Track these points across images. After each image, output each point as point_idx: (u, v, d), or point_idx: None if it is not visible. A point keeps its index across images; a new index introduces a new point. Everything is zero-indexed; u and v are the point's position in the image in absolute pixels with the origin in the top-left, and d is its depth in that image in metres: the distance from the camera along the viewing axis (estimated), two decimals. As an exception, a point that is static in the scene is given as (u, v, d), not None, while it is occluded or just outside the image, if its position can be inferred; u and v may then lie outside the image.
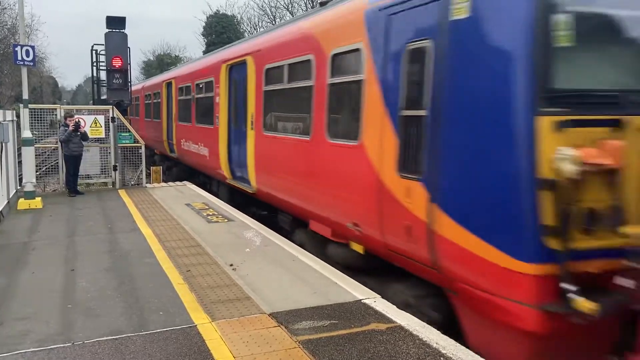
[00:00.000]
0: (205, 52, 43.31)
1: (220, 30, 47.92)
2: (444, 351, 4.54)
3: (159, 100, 20.43)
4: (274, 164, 9.56)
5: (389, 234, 6.09)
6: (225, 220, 10.02)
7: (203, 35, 50.47)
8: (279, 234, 9.09)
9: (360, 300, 5.78)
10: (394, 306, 5.63)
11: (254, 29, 47.45)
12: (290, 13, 42.92)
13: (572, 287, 4.21)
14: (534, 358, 4.68)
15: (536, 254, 4.38)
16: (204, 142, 14.21)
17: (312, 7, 38.69)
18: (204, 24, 50.34)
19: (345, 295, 5.94)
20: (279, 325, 5.11)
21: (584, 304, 4.12)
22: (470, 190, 4.93)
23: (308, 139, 8.11)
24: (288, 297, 5.89)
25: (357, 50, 6.78)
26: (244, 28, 49.37)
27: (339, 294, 5.96)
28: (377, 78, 6.31)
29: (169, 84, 19.10)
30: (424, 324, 5.18)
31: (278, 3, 45.05)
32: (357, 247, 7.09)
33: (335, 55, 7.41)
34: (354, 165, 6.77)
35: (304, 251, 7.86)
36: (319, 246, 8.16)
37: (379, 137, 6.25)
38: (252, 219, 10.19)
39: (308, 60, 8.12)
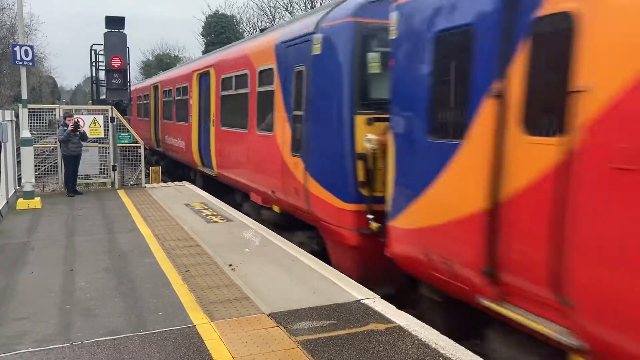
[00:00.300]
0: (204, 52, 43.32)
1: (219, 30, 47.91)
2: (442, 351, 4.53)
3: (148, 101, 23.12)
4: (226, 152, 12.46)
5: (289, 195, 8.90)
6: (225, 220, 10.02)
7: (202, 35, 50.45)
8: (235, 208, 11.61)
9: (360, 300, 5.78)
10: (393, 307, 5.63)
11: (253, 28, 47.47)
12: (289, 13, 42.93)
13: (371, 217, 6.88)
14: (357, 263, 7.38)
15: (355, 199, 7.16)
16: (181, 136, 16.74)
17: (312, 7, 38.72)
18: (203, 24, 50.35)
19: (344, 295, 5.94)
20: (278, 326, 5.11)
21: (374, 226, 6.80)
22: (323, 162, 7.81)
23: (246, 131, 10.94)
24: (287, 297, 5.88)
25: (271, 69, 9.67)
26: (243, 28, 49.41)
27: (338, 294, 5.96)
28: (281, 89, 9.16)
29: (155, 87, 21.68)
30: (423, 324, 5.18)
31: (277, 3, 45.08)
32: (276, 208, 9.84)
33: (260, 71, 10.28)
34: (270, 149, 9.60)
35: (303, 251, 7.86)
36: (257, 212, 10.82)
37: (282, 129, 9.13)
38: (252, 220, 10.19)
39: (246, 74, 11.01)
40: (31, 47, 11.77)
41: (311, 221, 8.44)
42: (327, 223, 7.77)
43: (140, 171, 15.24)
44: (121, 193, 13.45)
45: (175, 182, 16.10)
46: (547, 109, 4.26)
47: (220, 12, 50.00)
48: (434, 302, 5.86)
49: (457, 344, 4.71)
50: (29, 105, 12.71)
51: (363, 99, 7.23)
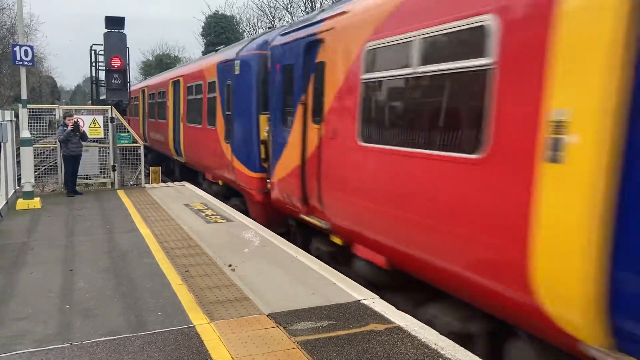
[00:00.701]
0: (204, 53, 43.32)
1: (219, 30, 47.95)
2: (442, 352, 4.53)
3: (137, 102, 26.48)
4: (190, 143, 16.15)
5: (225, 171, 12.65)
6: (224, 220, 10.02)
7: (202, 35, 50.50)
8: (197, 186, 14.89)
9: (359, 300, 5.78)
10: (393, 307, 5.63)
11: (253, 29, 47.51)
12: (289, 13, 42.95)
13: (268, 180, 9.95)
14: (263, 213, 10.86)
15: (259, 169, 10.78)
16: (161, 132, 20.08)
17: (312, 8, 38.70)
18: (203, 24, 50.38)
19: (344, 295, 5.94)
20: (277, 326, 5.11)
21: (269, 186, 9.89)
22: (241, 145, 11.44)
23: (201, 127, 14.62)
24: (287, 297, 5.88)
25: (214, 81, 13.50)
26: (243, 28, 49.43)
27: (338, 295, 5.96)
28: (219, 96, 13.00)
29: (143, 91, 25.18)
30: (423, 324, 5.18)
31: (277, 3, 45.10)
32: (220, 182, 13.60)
33: (209, 82, 14.02)
34: (214, 139, 13.24)
35: (303, 252, 7.86)
36: (210, 187, 14.59)
37: (220, 124, 12.87)
38: (251, 220, 10.19)
39: (200, 84, 14.83)
40: (31, 47, 11.77)
41: (237, 188, 12.16)
42: (244, 187, 11.54)
43: (140, 171, 15.24)
44: (121, 193, 13.45)
45: (175, 183, 16.11)
46: (318, 110, 7.83)
47: (220, 13, 50.08)
48: (293, 226, 9.65)
49: (456, 345, 4.71)
50: (29, 106, 12.71)
51: (264, 104, 10.75)
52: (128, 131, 14.80)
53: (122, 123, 14.69)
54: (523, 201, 4.21)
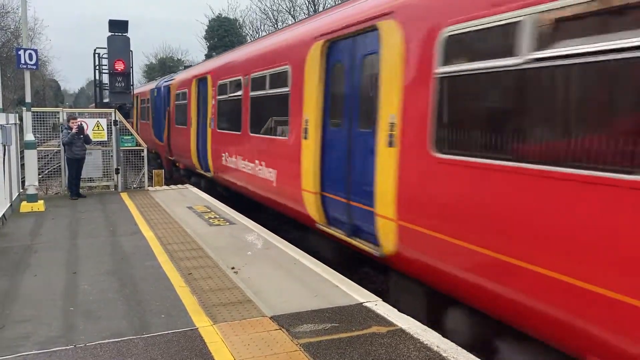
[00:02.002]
0: (207, 56, 43.41)
1: (222, 33, 48.07)
2: (444, 354, 4.54)
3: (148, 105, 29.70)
4: (174, 138, 19.35)
5: (195, 161, 15.82)
6: (227, 223, 10.04)
7: (205, 38, 50.61)
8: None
9: (362, 303, 5.78)
10: (395, 309, 5.64)
11: (256, 32, 47.59)
12: (292, 17, 43.02)
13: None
14: (207, 185, 15.48)
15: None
16: (145, 131, 24.70)
17: (315, 11, 38.77)
18: (206, 27, 50.51)
19: (346, 298, 5.95)
20: (280, 328, 5.12)
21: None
22: (198, 143, 15.85)
23: (185, 127, 17.09)
24: (289, 300, 5.90)
25: (186, 91, 17.13)
26: (246, 32, 49.51)
27: (340, 297, 5.97)
28: (174, 107, 19.05)
29: (136, 97, 27.92)
30: (425, 327, 5.18)
31: (280, 7, 45.19)
32: (185, 167, 18.26)
33: (177, 94, 18.67)
34: (187, 136, 16.77)
35: (305, 254, 7.87)
36: (184, 175, 18.77)
37: (194, 127, 16.26)
38: (254, 222, 10.20)
39: (185, 93, 17.55)
40: (35, 51, 11.82)
41: (198, 169, 16.13)
42: (198, 170, 15.89)
43: (143, 174, 15.28)
44: (124, 196, 13.48)
45: (178, 185, 16.14)
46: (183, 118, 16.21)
47: (223, 16, 50.19)
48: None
49: (458, 347, 4.71)
50: (33, 109, 12.77)
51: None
52: (131, 134, 14.85)
53: (125, 126, 14.73)
54: (297, 155, 8.51)
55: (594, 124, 3.89)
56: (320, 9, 38.90)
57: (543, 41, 4.19)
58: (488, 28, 4.72)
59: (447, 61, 5.24)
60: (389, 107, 6.12)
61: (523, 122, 4.47)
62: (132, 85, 15.98)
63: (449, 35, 5.20)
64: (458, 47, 5.15)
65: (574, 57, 3.92)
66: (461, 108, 5.26)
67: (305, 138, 8.35)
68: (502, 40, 4.60)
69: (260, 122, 10.73)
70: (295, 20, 41.43)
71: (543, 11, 4.20)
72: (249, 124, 11.21)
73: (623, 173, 3.54)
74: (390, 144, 6.09)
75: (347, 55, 7.42)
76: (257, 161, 10.68)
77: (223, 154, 13.07)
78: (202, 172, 15.51)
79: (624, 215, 3.52)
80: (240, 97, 11.68)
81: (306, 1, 42.34)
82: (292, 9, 43.67)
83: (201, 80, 15.42)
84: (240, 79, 11.80)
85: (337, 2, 33.76)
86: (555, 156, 4.06)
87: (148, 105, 25.82)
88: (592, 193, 3.73)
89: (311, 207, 8.22)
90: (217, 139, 13.73)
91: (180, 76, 19.29)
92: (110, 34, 15.05)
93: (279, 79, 9.67)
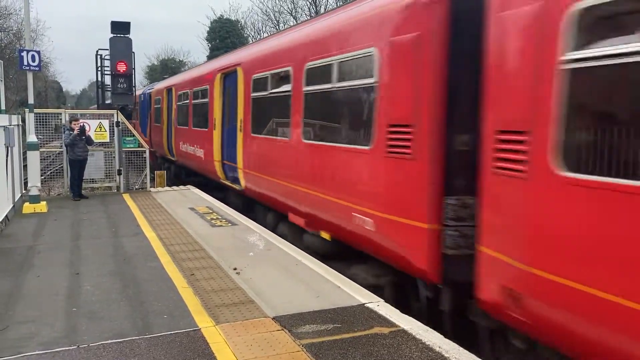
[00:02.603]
0: (209, 57, 43.46)
1: (224, 35, 48.09)
2: (446, 355, 4.55)
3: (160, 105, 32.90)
4: (154, 133, 23.42)
5: (166, 150, 20.75)
6: (229, 224, 10.05)
7: (207, 40, 50.65)
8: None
9: (364, 304, 5.79)
10: (397, 310, 5.64)
11: (258, 34, 47.66)
12: (294, 18, 43.08)
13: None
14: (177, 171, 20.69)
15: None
16: (135, 129, 28.12)
17: (316, 12, 38.79)
18: (207, 29, 50.54)
19: (348, 299, 5.96)
20: (282, 329, 5.13)
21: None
22: (169, 140, 20.54)
23: (159, 125, 21.71)
24: (291, 300, 5.91)
25: (159, 98, 22.38)
26: (248, 33, 49.57)
27: (343, 298, 5.98)
28: (154, 111, 24.20)
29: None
30: (427, 327, 5.19)
31: (282, 8, 45.27)
32: (161, 156, 22.40)
33: (155, 99, 23.22)
34: (162, 132, 21.55)
35: (307, 255, 7.88)
36: (160, 163, 22.37)
37: (165, 125, 21.27)
38: (256, 223, 10.22)
39: (159, 99, 22.06)
40: (38, 52, 11.86)
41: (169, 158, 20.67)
42: (168, 157, 20.28)
43: (146, 175, 15.31)
44: (126, 197, 13.51)
45: (180, 187, 16.16)
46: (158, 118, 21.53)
47: (224, 17, 50.20)
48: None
49: (460, 348, 4.72)
50: (35, 110, 12.80)
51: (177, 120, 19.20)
52: (134, 135, 14.89)
53: (127, 127, 14.77)
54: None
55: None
56: (322, 10, 38.95)
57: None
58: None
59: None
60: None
61: None
62: (134, 86, 16.02)
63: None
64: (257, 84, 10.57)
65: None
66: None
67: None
68: None
69: (185, 119, 17.54)
70: (296, 21, 41.49)
71: None
72: (177, 120, 18.84)
73: None
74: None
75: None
76: (196, 145, 15.94)
77: (180, 143, 18.30)
78: (170, 157, 20.67)
79: None
80: (187, 103, 17.30)
81: (307, 2, 42.42)
82: (293, 10, 43.76)
83: (168, 90, 20.80)
84: (188, 91, 17.31)
85: (338, 4, 33.82)
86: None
87: (137, 107, 28.75)
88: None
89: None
90: (176, 133, 19.02)
91: (156, 86, 25.31)
92: (112, 35, 15.10)
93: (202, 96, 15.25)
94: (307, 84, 8.34)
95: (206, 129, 14.27)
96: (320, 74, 7.95)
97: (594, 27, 3.78)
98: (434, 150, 5.51)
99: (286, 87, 9.15)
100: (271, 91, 9.94)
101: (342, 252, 7.66)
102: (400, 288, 6.60)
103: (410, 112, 5.81)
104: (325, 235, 7.96)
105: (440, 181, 5.50)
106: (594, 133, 3.82)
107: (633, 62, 3.46)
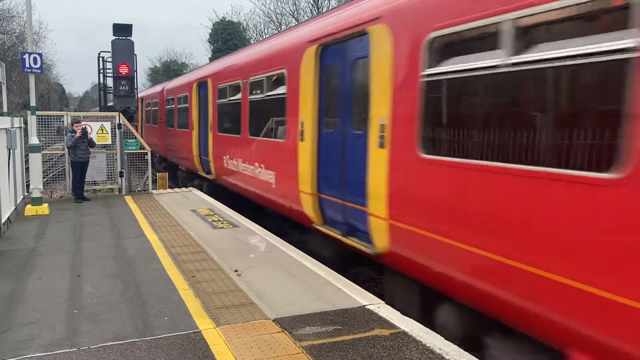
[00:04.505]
0: (211, 59, 43.53)
1: (226, 37, 48.17)
2: (447, 357, 4.54)
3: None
4: (149, 134, 26.07)
5: (164, 150, 22.45)
6: (231, 226, 10.06)
7: (209, 42, 50.73)
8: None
9: (364, 306, 5.79)
10: (398, 312, 5.64)
11: (260, 35, 47.67)
12: (295, 20, 43.11)
13: None
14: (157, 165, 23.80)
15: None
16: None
17: (318, 13, 38.80)
18: (210, 31, 50.63)
19: (349, 301, 5.95)
20: (283, 331, 5.13)
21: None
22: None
23: (157, 126, 23.95)
24: (292, 302, 5.91)
25: (157, 100, 24.65)
26: (250, 35, 49.60)
27: (343, 300, 5.98)
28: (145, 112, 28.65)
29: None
30: (428, 329, 5.19)
31: (284, 10, 45.31)
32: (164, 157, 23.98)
33: (148, 103, 27.15)
34: (159, 132, 23.62)
35: (308, 257, 7.88)
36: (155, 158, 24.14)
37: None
38: (258, 225, 10.23)
39: (157, 101, 24.10)
40: (40, 55, 11.89)
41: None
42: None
43: (147, 177, 15.33)
44: (128, 199, 13.53)
45: (182, 189, 16.19)
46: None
47: (227, 19, 50.27)
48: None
49: (461, 349, 4.71)
50: (38, 112, 12.83)
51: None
52: (135, 137, 14.91)
53: (129, 129, 14.80)
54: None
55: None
56: (324, 11, 38.97)
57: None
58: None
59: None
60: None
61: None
62: (137, 88, 16.06)
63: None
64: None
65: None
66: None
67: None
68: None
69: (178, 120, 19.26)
70: (298, 22, 41.50)
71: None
72: (166, 121, 21.76)
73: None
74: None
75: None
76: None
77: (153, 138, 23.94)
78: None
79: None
80: (157, 109, 23.10)
81: (310, 4, 42.46)
82: (295, 12, 43.79)
83: (144, 98, 27.38)
84: (157, 100, 22.46)
85: (340, 4, 33.80)
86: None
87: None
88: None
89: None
90: (148, 131, 25.65)
91: (139, 95, 28.78)
92: (114, 37, 15.15)
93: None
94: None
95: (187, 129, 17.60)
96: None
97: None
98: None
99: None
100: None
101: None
102: None
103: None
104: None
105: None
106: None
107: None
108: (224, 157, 13.22)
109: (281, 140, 9.49)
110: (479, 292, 4.79)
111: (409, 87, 5.74)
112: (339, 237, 7.54)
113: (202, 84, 15.73)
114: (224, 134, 13.31)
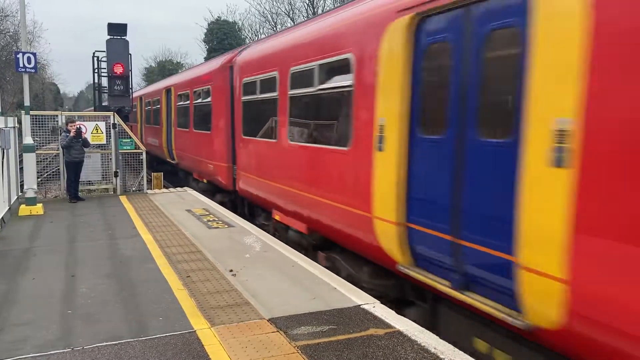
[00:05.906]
0: (206, 59, 43.45)
1: (221, 36, 48.11)
2: (442, 356, 4.55)
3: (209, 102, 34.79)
4: (146, 136, 26.10)
5: (159, 150, 22.45)
6: (226, 226, 10.05)
7: (204, 41, 50.66)
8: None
9: (359, 305, 5.79)
10: (393, 312, 5.65)
11: (255, 35, 47.65)
12: (291, 19, 43.09)
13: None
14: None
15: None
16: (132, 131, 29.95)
17: (314, 13, 38.83)
18: (205, 31, 50.55)
19: (344, 300, 5.96)
20: (277, 331, 5.13)
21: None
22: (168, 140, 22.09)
23: (158, 126, 22.35)
24: (287, 302, 5.91)
25: (157, 100, 24.40)
26: (245, 34, 49.55)
27: (338, 300, 5.98)
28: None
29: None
30: (423, 329, 5.19)
31: (279, 9, 45.27)
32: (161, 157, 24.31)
33: (148, 102, 26.64)
34: (160, 134, 22.17)
35: (303, 257, 7.88)
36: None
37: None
38: (253, 225, 10.22)
39: (157, 100, 23.05)
40: (34, 54, 11.84)
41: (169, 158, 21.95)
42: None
43: (142, 177, 15.29)
44: (123, 199, 13.50)
45: (177, 188, 16.16)
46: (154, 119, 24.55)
47: (222, 19, 50.20)
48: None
49: (455, 349, 4.72)
50: (32, 112, 12.78)
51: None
52: (130, 137, 14.87)
53: (124, 129, 14.75)
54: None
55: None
56: (320, 11, 38.98)
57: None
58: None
59: None
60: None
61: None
62: (131, 88, 16.01)
63: None
64: None
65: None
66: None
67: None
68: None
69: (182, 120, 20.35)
70: (294, 22, 41.50)
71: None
72: (152, 120, 24.01)
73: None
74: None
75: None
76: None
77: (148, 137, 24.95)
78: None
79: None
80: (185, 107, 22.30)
81: (305, 4, 42.45)
82: (291, 12, 43.77)
83: (143, 97, 28.07)
84: (149, 100, 24.73)
85: (336, 4, 33.86)
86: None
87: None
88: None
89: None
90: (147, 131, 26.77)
91: (139, 93, 30.15)
92: (109, 37, 15.09)
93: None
94: (195, 100, 15.81)
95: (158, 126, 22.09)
96: (199, 95, 15.49)
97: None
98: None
99: (187, 101, 16.95)
100: (184, 102, 17.38)
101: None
102: None
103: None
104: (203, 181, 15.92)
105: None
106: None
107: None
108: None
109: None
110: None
111: (176, 108, 8.99)
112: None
113: (168, 90, 20.79)
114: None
